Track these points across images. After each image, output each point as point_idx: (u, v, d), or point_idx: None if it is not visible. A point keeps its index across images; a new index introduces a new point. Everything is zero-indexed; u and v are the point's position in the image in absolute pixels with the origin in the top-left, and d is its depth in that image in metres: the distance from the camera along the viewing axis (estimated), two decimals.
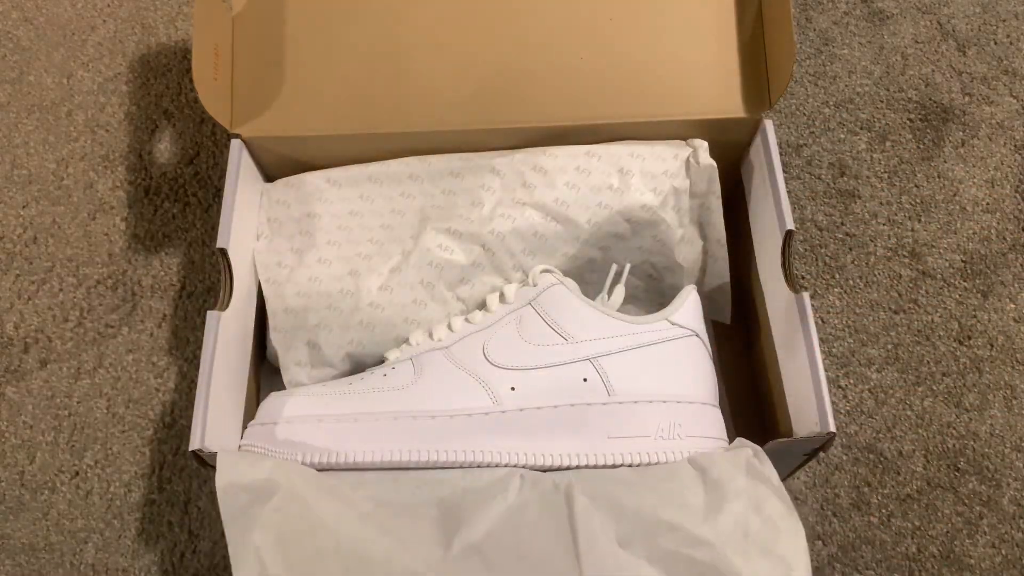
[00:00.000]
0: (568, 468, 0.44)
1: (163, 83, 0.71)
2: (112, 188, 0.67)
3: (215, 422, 0.44)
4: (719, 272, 0.56)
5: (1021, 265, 0.65)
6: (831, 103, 0.70)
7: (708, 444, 0.46)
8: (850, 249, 0.65)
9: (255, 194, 0.54)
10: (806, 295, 0.47)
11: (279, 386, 0.53)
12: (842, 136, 0.69)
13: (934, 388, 0.61)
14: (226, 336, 0.47)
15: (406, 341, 0.51)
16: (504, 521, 0.40)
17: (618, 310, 0.49)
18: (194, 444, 0.43)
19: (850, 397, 0.61)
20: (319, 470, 0.43)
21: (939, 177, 0.68)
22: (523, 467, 0.44)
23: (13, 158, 0.68)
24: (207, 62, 0.51)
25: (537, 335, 0.47)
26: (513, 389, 0.45)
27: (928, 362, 0.62)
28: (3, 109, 0.69)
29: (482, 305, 0.51)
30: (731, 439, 0.47)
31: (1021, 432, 0.60)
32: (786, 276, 0.49)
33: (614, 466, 0.44)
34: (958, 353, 0.62)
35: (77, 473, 0.59)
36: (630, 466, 0.44)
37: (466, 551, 0.39)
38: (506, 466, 0.44)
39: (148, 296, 0.64)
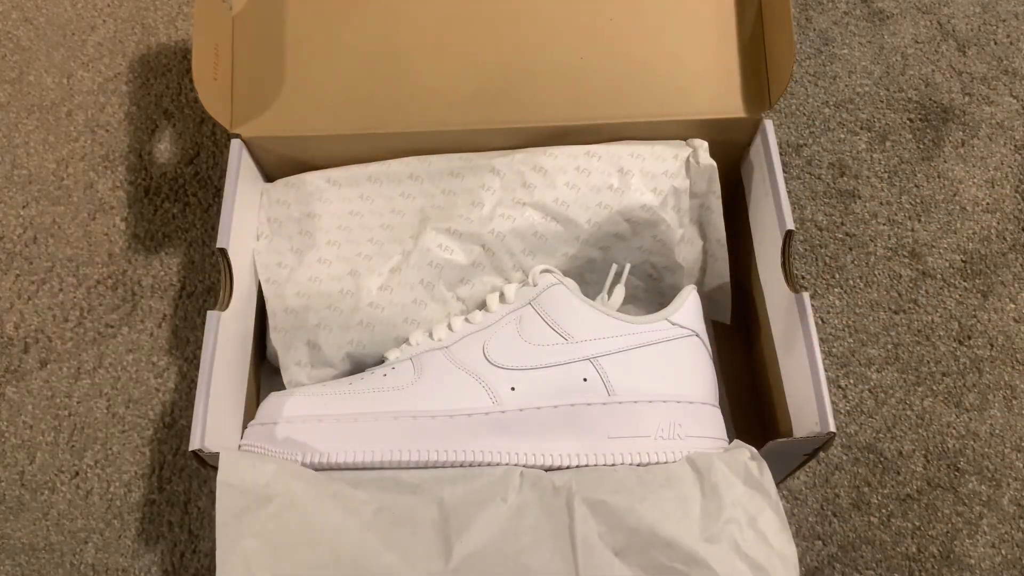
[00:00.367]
0: (568, 468, 0.44)
1: (163, 83, 0.71)
2: (112, 188, 0.67)
3: (215, 422, 0.44)
4: (719, 272, 0.56)
5: (1021, 265, 0.65)
6: (831, 103, 0.70)
7: (708, 444, 0.46)
8: (850, 249, 0.65)
9: (255, 194, 0.54)
10: (806, 295, 0.47)
11: (279, 386, 0.53)
12: (842, 136, 0.69)
13: (934, 388, 0.61)
14: (226, 336, 0.47)
15: (406, 341, 0.51)
16: (504, 526, 0.40)
17: (618, 310, 0.49)
18: (194, 444, 0.43)
19: (850, 397, 0.61)
20: (319, 470, 0.43)
21: (939, 177, 0.68)
22: (523, 467, 0.44)
23: (13, 158, 0.68)
24: (207, 62, 0.51)
25: (537, 335, 0.47)
26: (513, 389, 0.45)
27: (928, 362, 0.62)
28: (3, 109, 0.69)
29: (482, 305, 0.51)
30: (731, 439, 0.47)
31: (1021, 432, 0.60)
32: (786, 276, 0.49)
33: (614, 466, 0.44)
34: (958, 353, 0.62)
35: (77, 473, 0.59)
36: (630, 466, 0.44)
37: (466, 562, 0.39)
38: (506, 466, 0.43)
39: (148, 296, 0.64)
